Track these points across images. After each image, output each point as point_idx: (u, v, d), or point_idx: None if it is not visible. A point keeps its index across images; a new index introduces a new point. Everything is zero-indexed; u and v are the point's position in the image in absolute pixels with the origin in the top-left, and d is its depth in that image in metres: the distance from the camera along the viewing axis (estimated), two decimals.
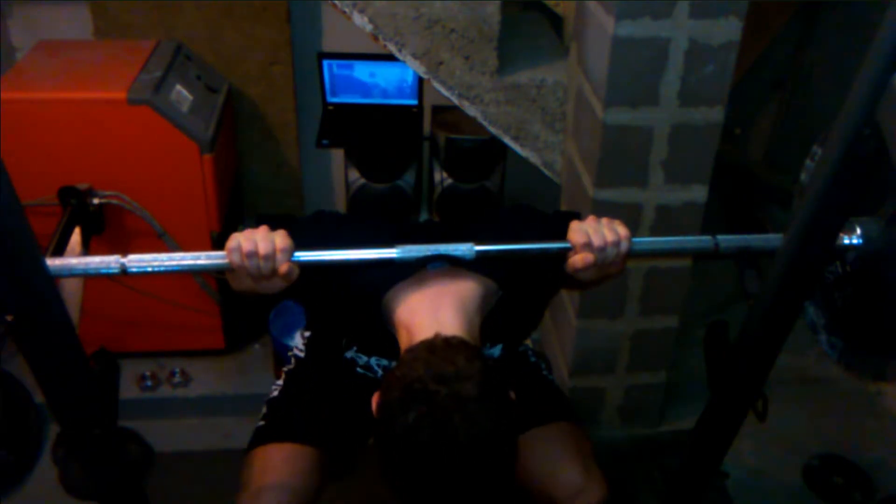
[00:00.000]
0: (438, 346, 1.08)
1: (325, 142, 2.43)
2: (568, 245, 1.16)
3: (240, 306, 2.35)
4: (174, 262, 1.12)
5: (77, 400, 1.13)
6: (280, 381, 1.56)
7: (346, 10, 1.91)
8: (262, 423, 1.48)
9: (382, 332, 1.27)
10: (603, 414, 2.23)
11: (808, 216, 1.04)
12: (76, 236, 1.90)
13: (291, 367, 1.59)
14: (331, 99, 2.50)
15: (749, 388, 1.28)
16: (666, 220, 1.86)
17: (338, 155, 2.70)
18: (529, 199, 2.59)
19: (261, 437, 1.44)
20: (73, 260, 1.12)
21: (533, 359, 1.61)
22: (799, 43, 2.85)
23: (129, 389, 2.29)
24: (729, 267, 2.81)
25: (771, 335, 1.20)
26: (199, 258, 1.13)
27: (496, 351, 1.41)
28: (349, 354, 1.43)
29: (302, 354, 1.59)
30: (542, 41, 2.26)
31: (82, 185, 2.01)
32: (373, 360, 1.42)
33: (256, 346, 2.51)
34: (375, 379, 1.43)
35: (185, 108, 2.11)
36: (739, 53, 1.67)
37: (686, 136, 1.76)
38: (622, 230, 1.16)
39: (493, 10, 1.92)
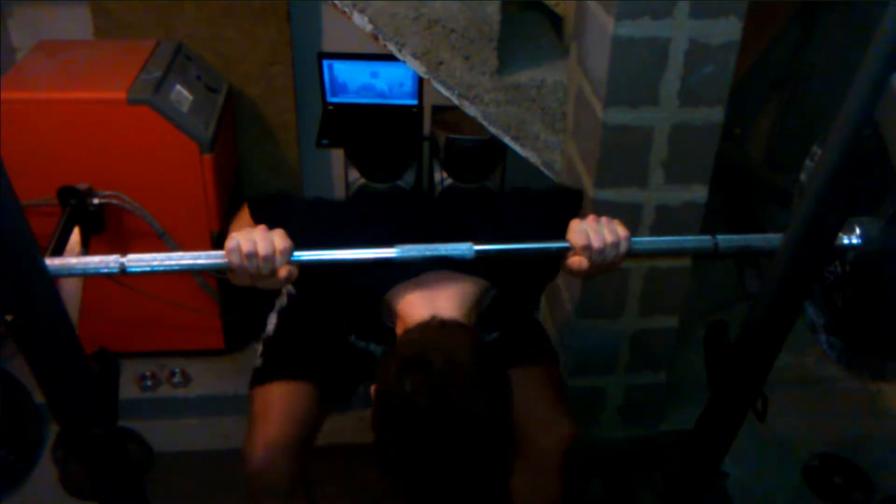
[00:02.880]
0: (435, 325, 1.11)
1: (324, 142, 2.43)
2: (567, 245, 1.17)
3: (240, 306, 2.35)
4: (174, 262, 1.12)
5: (77, 400, 1.13)
6: (274, 317, 1.61)
7: (346, 10, 1.91)
8: (259, 360, 1.56)
9: (381, 326, 1.28)
10: (603, 414, 2.22)
11: (808, 216, 1.04)
12: (76, 236, 1.90)
13: (284, 303, 1.61)
14: (331, 99, 2.50)
15: (749, 388, 1.28)
16: (666, 220, 1.86)
17: (338, 155, 2.70)
18: None
19: (260, 377, 1.53)
20: (73, 260, 1.12)
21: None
22: (799, 43, 2.84)
23: (129, 389, 2.29)
24: (729, 267, 2.81)
25: (771, 335, 1.20)
26: (198, 258, 1.13)
27: (492, 337, 1.44)
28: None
29: (294, 291, 1.60)
30: (542, 41, 2.26)
31: (82, 185, 2.01)
32: (371, 346, 1.44)
33: (256, 346, 2.50)
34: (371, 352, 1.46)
35: (185, 108, 2.11)
36: (739, 53, 1.67)
37: (686, 136, 1.76)
38: (622, 230, 1.17)
39: (493, 10, 1.92)
